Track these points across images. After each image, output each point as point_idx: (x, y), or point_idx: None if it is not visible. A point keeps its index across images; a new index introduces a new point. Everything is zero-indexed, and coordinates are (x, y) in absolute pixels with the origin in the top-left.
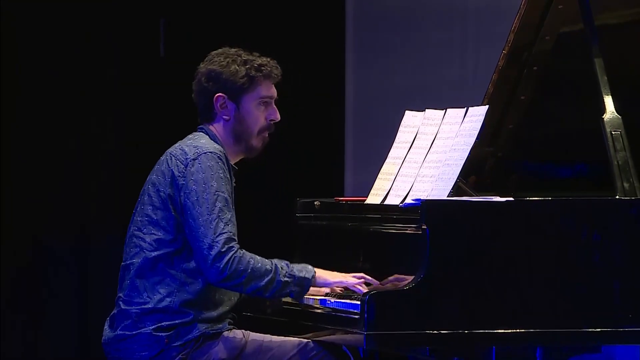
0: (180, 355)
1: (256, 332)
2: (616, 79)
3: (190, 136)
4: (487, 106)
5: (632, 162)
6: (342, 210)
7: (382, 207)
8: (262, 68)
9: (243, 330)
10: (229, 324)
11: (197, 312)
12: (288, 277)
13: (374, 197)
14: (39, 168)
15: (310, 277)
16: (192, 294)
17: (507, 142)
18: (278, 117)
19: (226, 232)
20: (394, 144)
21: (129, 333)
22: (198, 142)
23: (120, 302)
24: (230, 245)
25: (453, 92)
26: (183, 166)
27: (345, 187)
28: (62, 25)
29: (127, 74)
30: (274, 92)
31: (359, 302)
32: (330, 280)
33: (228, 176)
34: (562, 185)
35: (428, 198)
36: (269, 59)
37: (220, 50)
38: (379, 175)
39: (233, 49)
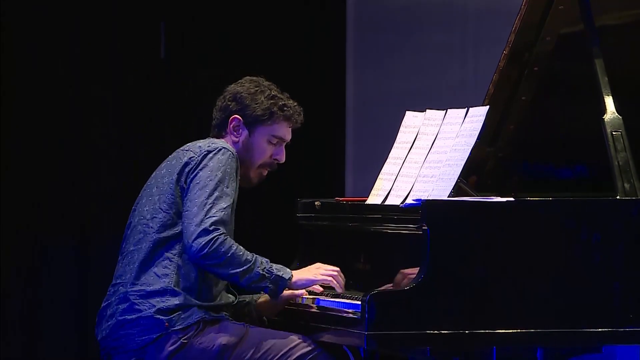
0: (180, 340)
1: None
2: (617, 79)
3: (205, 138)
4: (487, 107)
5: (632, 162)
6: (343, 210)
7: (382, 208)
8: (285, 108)
9: (244, 322)
10: (226, 315)
11: (194, 297)
12: (266, 272)
13: (374, 198)
14: (39, 168)
15: (287, 278)
16: (187, 280)
17: (508, 143)
18: (283, 159)
19: (217, 216)
20: (395, 144)
21: (128, 317)
22: (215, 141)
23: (120, 287)
24: (218, 227)
25: (453, 94)
26: (197, 157)
27: (346, 188)
28: (63, 27)
29: (127, 76)
30: (288, 135)
31: (359, 302)
32: (313, 277)
33: (235, 175)
34: (562, 186)
35: (429, 198)
36: (296, 104)
37: (255, 77)
38: (380, 176)
39: (267, 82)
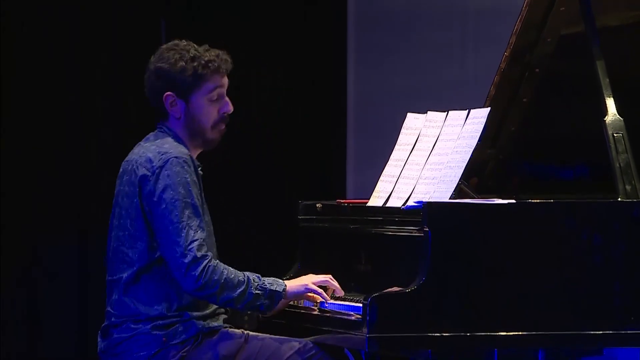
0: (180, 354)
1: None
2: (618, 80)
3: (152, 138)
4: (489, 108)
5: (633, 164)
6: (344, 212)
7: (384, 210)
8: (210, 64)
9: (242, 330)
10: (224, 320)
11: (190, 311)
12: (259, 290)
13: (375, 200)
14: (39, 167)
15: (281, 291)
16: (181, 299)
17: (509, 144)
18: (230, 108)
19: (197, 240)
20: (396, 146)
21: (125, 335)
22: (162, 147)
23: (112, 317)
24: (204, 253)
25: (453, 93)
26: (150, 174)
27: (347, 190)
28: (63, 26)
29: (128, 75)
30: (224, 83)
31: (360, 305)
32: (305, 285)
33: (195, 179)
34: (563, 188)
35: (430, 200)
36: (218, 52)
37: (170, 44)
38: (381, 178)
39: (183, 43)
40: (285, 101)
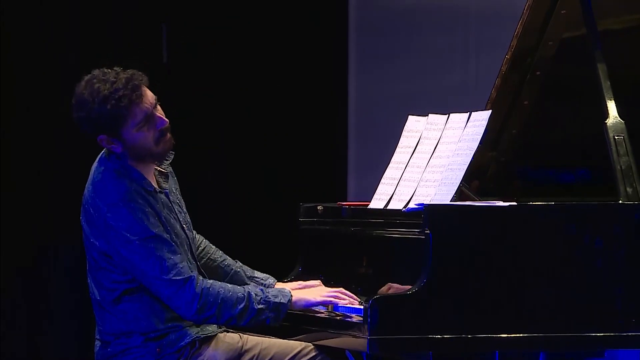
0: None
1: (256, 335)
2: (619, 83)
3: (101, 166)
4: (490, 111)
5: (635, 166)
6: (345, 214)
7: (385, 212)
8: (122, 101)
9: (240, 333)
10: (219, 326)
11: (181, 321)
12: (262, 304)
13: (377, 202)
14: (40, 170)
15: (286, 302)
16: (167, 311)
17: (510, 147)
18: (165, 121)
19: (175, 267)
20: (397, 149)
21: (118, 349)
22: (105, 188)
23: (103, 334)
24: (186, 275)
25: (455, 97)
26: (102, 220)
27: (348, 192)
28: (63, 30)
29: None
30: (146, 106)
31: (362, 307)
32: (313, 299)
33: (147, 208)
34: (565, 190)
35: (431, 203)
36: (127, 77)
37: (82, 84)
38: (382, 180)
39: (94, 80)
40: (287, 105)
